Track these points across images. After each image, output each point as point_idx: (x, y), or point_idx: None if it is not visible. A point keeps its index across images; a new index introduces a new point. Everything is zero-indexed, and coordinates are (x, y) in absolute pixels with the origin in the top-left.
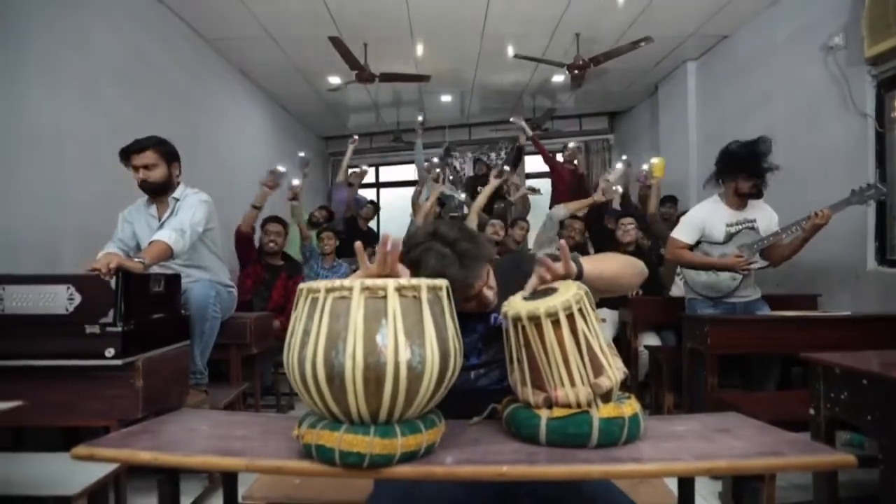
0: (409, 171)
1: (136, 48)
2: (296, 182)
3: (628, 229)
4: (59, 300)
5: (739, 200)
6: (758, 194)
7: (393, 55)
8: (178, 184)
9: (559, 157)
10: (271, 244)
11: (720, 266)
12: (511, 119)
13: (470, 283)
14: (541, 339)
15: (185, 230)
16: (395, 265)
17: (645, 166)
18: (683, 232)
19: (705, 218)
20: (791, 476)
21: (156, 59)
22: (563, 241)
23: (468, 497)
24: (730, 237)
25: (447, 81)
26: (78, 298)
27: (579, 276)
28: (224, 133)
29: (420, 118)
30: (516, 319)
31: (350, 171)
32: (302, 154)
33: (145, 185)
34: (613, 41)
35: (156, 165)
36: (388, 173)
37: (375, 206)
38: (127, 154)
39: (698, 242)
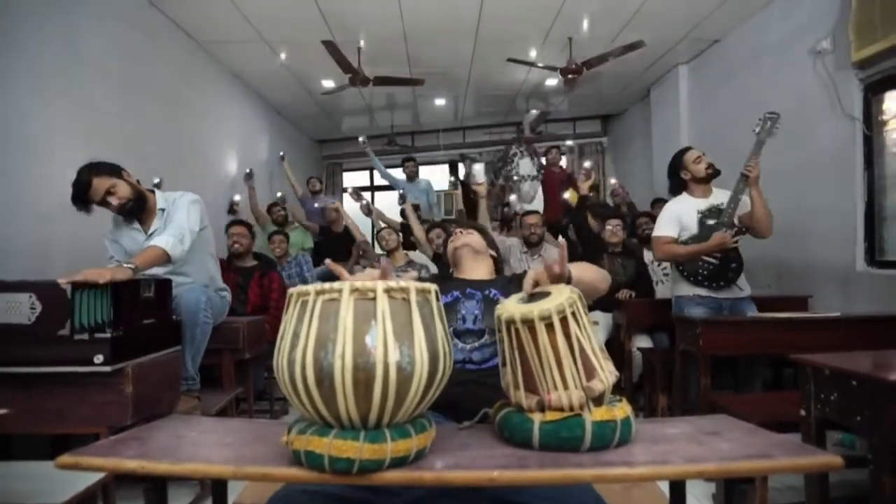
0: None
1: (128, 52)
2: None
3: (616, 231)
4: (23, 309)
5: (704, 187)
6: (715, 172)
7: (387, 59)
8: (153, 191)
9: (543, 161)
10: (236, 245)
11: (709, 250)
12: (532, 112)
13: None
14: (534, 342)
15: (184, 234)
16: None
17: (566, 195)
18: (664, 227)
19: (679, 209)
20: (783, 477)
21: (148, 63)
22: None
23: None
24: (703, 225)
25: (441, 85)
26: (39, 307)
27: (568, 280)
28: (218, 137)
29: (361, 138)
30: (510, 322)
31: (310, 180)
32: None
33: (125, 207)
34: (606, 45)
35: (115, 185)
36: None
37: (337, 209)
38: (81, 199)
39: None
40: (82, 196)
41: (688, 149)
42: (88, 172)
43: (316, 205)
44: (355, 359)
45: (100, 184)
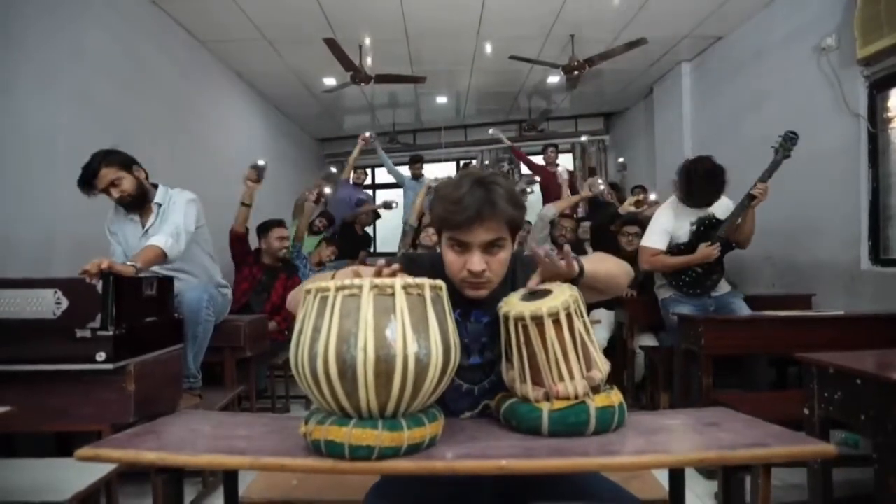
0: (404, 173)
1: (130, 51)
2: (328, 190)
3: (632, 239)
4: (47, 305)
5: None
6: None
7: (388, 57)
8: (156, 186)
9: (541, 161)
10: (284, 251)
11: (695, 261)
12: (489, 132)
13: (478, 212)
14: (541, 338)
15: (179, 233)
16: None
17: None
18: (653, 239)
19: (671, 220)
20: (786, 475)
21: (151, 62)
22: (567, 247)
23: (466, 495)
24: (695, 237)
25: (442, 83)
26: (65, 303)
27: (580, 275)
28: (220, 135)
29: (368, 133)
30: (518, 319)
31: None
32: (333, 170)
33: (125, 201)
34: (608, 43)
35: (121, 178)
36: (384, 175)
37: (375, 214)
38: (86, 182)
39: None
40: (89, 181)
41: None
42: (100, 160)
43: (359, 196)
44: (377, 351)
45: (107, 173)
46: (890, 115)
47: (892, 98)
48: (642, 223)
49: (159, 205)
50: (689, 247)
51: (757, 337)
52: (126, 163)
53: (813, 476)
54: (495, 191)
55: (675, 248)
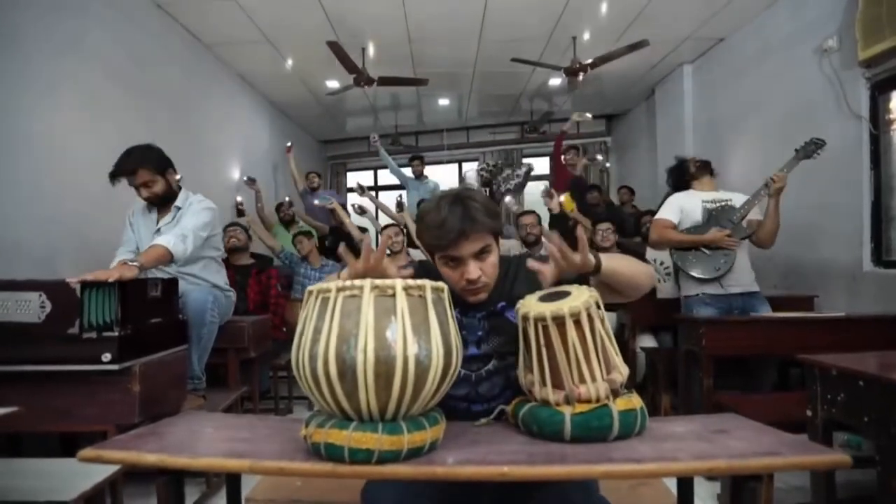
0: (408, 174)
1: (134, 53)
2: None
3: (607, 235)
4: (32, 308)
5: (707, 181)
6: (704, 163)
7: (391, 59)
8: (180, 188)
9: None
10: (233, 240)
11: (706, 241)
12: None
13: (461, 231)
14: (562, 339)
15: (187, 235)
16: (378, 263)
17: (561, 198)
18: (665, 212)
19: (683, 200)
20: (789, 477)
21: (154, 64)
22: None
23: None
24: (709, 214)
25: (445, 85)
26: (49, 306)
27: (597, 270)
28: (222, 137)
29: (373, 136)
30: (539, 319)
31: (309, 175)
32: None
33: (152, 200)
34: (610, 45)
35: (155, 181)
36: (386, 177)
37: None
38: (120, 177)
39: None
40: (122, 176)
41: (685, 160)
42: (138, 161)
43: (316, 202)
44: (377, 352)
45: (143, 175)
46: (892, 116)
47: (894, 100)
48: (618, 218)
49: (178, 208)
50: (701, 227)
51: (759, 338)
52: (162, 166)
53: (816, 478)
54: (472, 206)
55: (691, 229)
